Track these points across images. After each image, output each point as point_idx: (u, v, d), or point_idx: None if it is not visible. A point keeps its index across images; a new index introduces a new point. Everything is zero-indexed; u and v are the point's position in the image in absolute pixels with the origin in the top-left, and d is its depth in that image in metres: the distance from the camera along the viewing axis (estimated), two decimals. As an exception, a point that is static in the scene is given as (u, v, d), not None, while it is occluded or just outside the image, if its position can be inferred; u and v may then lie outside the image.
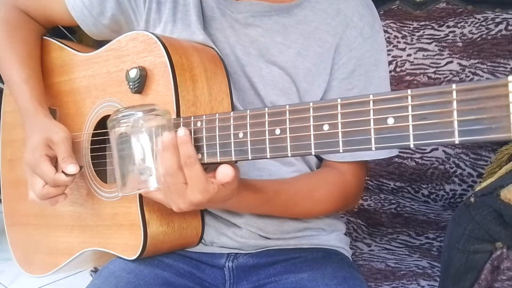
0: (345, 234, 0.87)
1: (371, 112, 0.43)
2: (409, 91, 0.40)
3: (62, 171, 0.71)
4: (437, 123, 0.39)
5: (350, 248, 0.87)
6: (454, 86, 0.38)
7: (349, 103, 0.44)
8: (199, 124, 0.57)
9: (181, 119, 0.60)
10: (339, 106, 0.45)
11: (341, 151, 0.45)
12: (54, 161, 0.74)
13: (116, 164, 0.59)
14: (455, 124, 0.38)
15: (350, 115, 0.44)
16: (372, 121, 0.43)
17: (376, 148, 0.43)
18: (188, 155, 0.54)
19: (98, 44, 0.82)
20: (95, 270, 1.00)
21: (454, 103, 0.38)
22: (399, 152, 1.34)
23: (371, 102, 0.43)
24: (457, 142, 0.38)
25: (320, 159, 0.82)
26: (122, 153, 0.58)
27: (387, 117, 0.42)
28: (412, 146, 0.40)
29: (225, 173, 0.54)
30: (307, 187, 0.74)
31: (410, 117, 0.40)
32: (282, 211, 0.74)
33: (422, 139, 0.40)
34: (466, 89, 0.37)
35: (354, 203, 0.85)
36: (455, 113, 0.38)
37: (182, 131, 0.55)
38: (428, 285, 0.91)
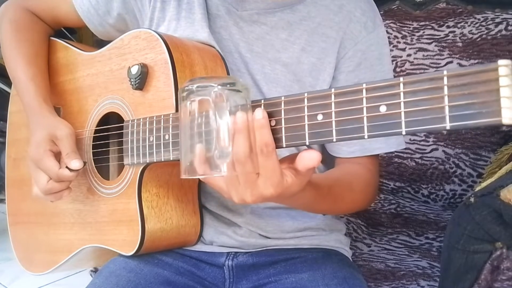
0: (345, 234, 0.87)
1: (364, 100, 0.43)
2: (401, 78, 0.41)
3: (66, 167, 0.72)
4: (428, 109, 0.39)
5: (350, 248, 0.86)
6: (445, 72, 0.38)
7: (342, 92, 0.44)
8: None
9: None
10: (332, 96, 0.45)
11: (334, 140, 0.45)
12: (59, 157, 0.75)
13: (184, 141, 0.50)
14: (446, 109, 0.38)
15: (343, 104, 0.44)
16: (365, 109, 0.43)
17: (369, 136, 0.43)
18: (266, 142, 0.47)
19: (98, 45, 0.83)
20: (95, 270, 1.00)
21: (445, 88, 0.38)
22: (399, 152, 1.34)
23: (364, 91, 0.43)
24: (448, 127, 0.38)
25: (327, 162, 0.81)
26: (194, 130, 0.49)
27: (380, 105, 0.42)
28: (404, 133, 0.40)
29: (311, 157, 0.48)
30: (348, 180, 0.71)
31: (402, 104, 0.40)
32: (330, 208, 0.70)
33: (414, 125, 0.40)
34: (457, 75, 0.38)
35: (376, 193, 0.82)
36: (446, 98, 0.38)
37: (260, 113, 0.48)
38: (428, 285, 0.91)
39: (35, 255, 0.92)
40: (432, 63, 1.37)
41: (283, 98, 0.49)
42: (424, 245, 1.12)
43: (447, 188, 1.31)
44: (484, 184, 0.75)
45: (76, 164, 0.72)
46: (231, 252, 0.79)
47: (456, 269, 0.69)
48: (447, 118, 0.38)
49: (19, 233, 0.97)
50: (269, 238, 0.79)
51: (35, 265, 0.92)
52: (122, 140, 0.72)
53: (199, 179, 0.61)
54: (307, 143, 0.47)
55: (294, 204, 0.63)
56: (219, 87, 0.48)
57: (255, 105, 0.51)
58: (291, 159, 0.50)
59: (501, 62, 0.35)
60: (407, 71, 1.39)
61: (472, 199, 0.69)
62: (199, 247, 0.79)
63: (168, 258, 0.77)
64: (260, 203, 0.54)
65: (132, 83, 0.70)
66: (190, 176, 0.49)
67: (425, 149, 1.34)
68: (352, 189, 0.71)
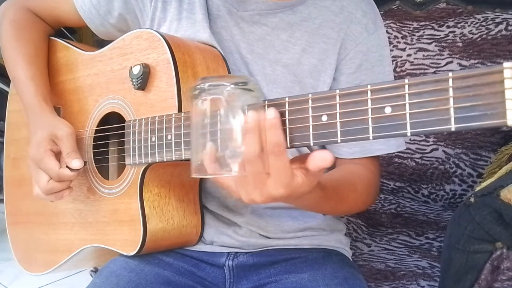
0: (345, 234, 0.87)
1: (369, 101, 0.43)
2: (406, 80, 0.41)
3: (67, 166, 0.72)
4: (433, 111, 0.39)
5: (350, 248, 0.87)
6: (450, 74, 0.39)
7: (347, 93, 0.45)
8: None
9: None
10: (337, 97, 0.45)
11: (339, 141, 0.45)
12: (59, 157, 0.75)
13: (195, 140, 0.49)
14: (451, 111, 0.38)
15: (348, 105, 0.44)
16: (370, 110, 0.43)
17: (374, 137, 0.43)
18: (277, 142, 0.47)
19: (99, 44, 0.83)
20: (95, 270, 1.00)
21: (450, 90, 0.38)
22: (400, 152, 1.34)
23: (369, 92, 0.43)
24: (453, 129, 0.38)
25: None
26: (205, 129, 0.48)
27: (385, 106, 0.42)
28: (409, 134, 0.41)
29: (323, 157, 0.47)
30: (351, 181, 0.71)
31: (407, 105, 0.41)
32: (333, 208, 0.70)
33: (419, 127, 0.40)
34: (462, 77, 0.38)
35: (378, 193, 0.82)
36: (451, 100, 0.38)
37: (272, 113, 0.47)
38: (428, 285, 0.91)
39: (35, 255, 0.92)
40: (432, 63, 1.37)
41: (287, 99, 0.49)
42: (424, 245, 1.12)
43: (447, 188, 1.32)
44: (484, 184, 0.76)
45: (76, 163, 0.72)
46: (232, 252, 0.79)
47: (456, 269, 0.69)
48: (452, 119, 0.38)
49: (18, 233, 0.97)
50: (269, 238, 0.79)
51: (35, 265, 0.92)
52: (122, 140, 0.71)
53: (200, 178, 0.61)
54: (311, 144, 0.47)
55: (301, 204, 0.62)
56: (232, 86, 0.47)
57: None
58: (302, 159, 0.50)
59: (506, 64, 0.36)
60: (407, 71, 1.39)
61: (472, 199, 0.70)
62: (200, 247, 0.80)
63: (169, 258, 0.77)
64: (270, 202, 0.53)
65: (134, 83, 0.70)
66: (200, 175, 0.49)
67: (425, 149, 1.34)
68: (356, 190, 0.71)
